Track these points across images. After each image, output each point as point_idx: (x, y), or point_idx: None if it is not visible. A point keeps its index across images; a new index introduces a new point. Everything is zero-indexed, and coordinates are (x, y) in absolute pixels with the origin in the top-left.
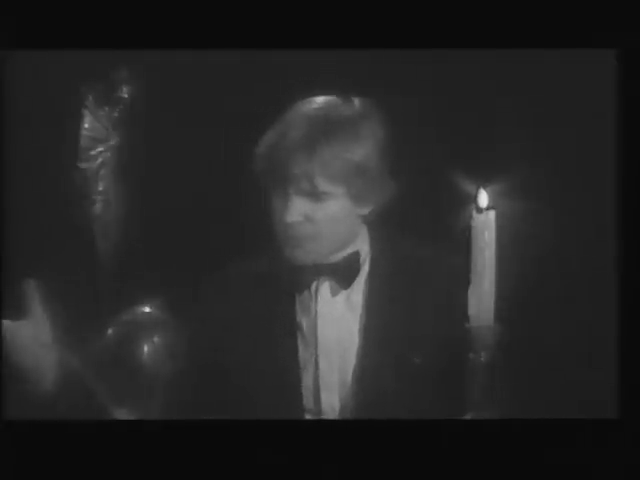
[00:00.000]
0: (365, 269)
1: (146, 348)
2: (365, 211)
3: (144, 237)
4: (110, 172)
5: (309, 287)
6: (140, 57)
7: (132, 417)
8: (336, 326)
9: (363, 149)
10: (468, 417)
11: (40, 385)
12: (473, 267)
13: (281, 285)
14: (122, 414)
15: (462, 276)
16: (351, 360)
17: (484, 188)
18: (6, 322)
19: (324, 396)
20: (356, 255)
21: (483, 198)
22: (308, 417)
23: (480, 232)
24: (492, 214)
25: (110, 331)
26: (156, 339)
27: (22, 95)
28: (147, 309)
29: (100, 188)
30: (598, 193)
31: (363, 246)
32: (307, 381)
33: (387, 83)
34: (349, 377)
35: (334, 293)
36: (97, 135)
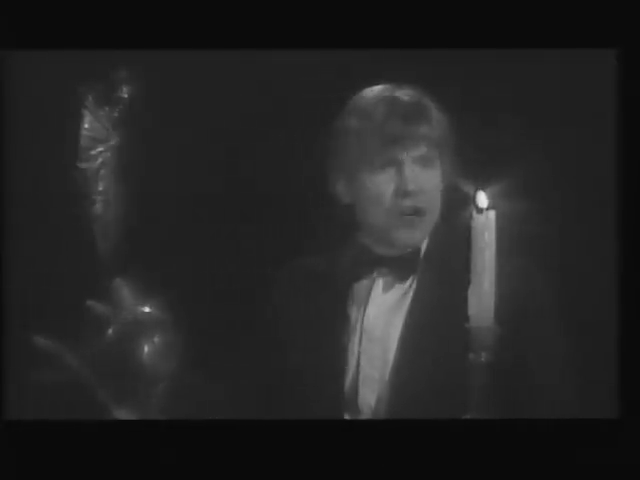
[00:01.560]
0: (420, 266)
1: (146, 348)
2: (441, 187)
3: (144, 237)
4: (110, 172)
5: (366, 280)
6: (140, 57)
7: (132, 417)
8: (382, 322)
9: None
10: (468, 417)
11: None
12: (473, 267)
13: (340, 278)
14: (122, 414)
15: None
16: (391, 357)
17: (483, 189)
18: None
19: (362, 392)
20: (417, 251)
21: (482, 199)
22: (346, 413)
23: (480, 232)
24: (492, 215)
25: (110, 331)
26: (156, 339)
27: (22, 95)
28: (147, 309)
29: (100, 188)
30: (598, 193)
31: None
32: (348, 375)
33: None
34: (387, 375)
35: (388, 288)
36: (97, 135)
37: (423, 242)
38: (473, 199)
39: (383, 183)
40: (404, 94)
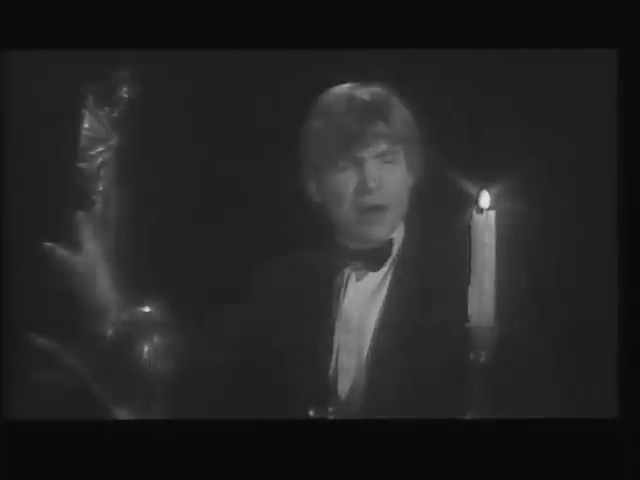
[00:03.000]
0: (395, 258)
1: (146, 348)
2: (410, 182)
3: (144, 237)
4: (110, 172)
5: (342, 273)
6: (140, 57)
7: (132, 417)
8: (359, 312)
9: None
10: (468, 417)
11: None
12: (473, 267)
13: (320, 274)
14: (122, 414)
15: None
16: (366, 349)
17: (486, 189)
18: (64, 253)
19: (341, 381)
20: (389, 242)
21: (485, 199)
22: (328, 402)
23: (480, 232)
24: (492, 214)
25: (110, 331)
26: (156, 339)
27: (22, 95)
28: (147, 309)
29: (100, 188)
30: (599, 193)
31: (398, 234)
32: (328, 364)
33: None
34: (363, 365)
35: (363, 279)
36: (97, 135)
37: (392, 235)
38: (475, 199)
39: (346, 181)
40: (365, 92)
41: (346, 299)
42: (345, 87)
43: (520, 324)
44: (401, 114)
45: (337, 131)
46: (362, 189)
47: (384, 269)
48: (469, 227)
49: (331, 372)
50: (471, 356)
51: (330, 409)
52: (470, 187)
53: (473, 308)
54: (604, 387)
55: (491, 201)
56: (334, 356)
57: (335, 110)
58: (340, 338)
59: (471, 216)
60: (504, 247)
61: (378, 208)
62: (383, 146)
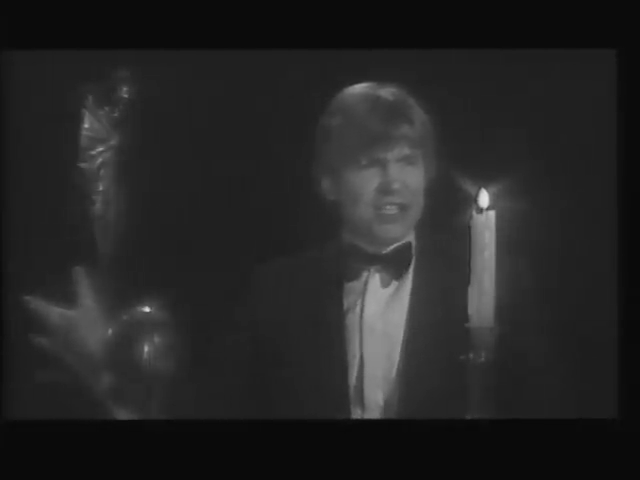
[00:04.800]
0: (414, 262)
1: (146, 348)
2: (424, 184)
3: (144, 237)
4: (110, 172)
5: (359, 278)
6: (140, 57)
7: (132, 417)
8: (382, 318)
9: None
10: (468, 417)
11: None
12: (473, 267)
13: (332, 275)
14: (122, 414)
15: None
16: (395, 354)
17: (485, 188)
18: (62, 311)
19: (367, 389)
20: (408, 246)
21: (484, 198)
22: (352, 410)
23: (480, 232)
24: (492, 214)
25: (110, 331)
26: (156, 339)
27: (22, 95)
28: (147, 309)
29: (100, 188)
30: (599, 193)
31: (411, 237)
32: (352, 373)
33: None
34: (393, 372)
35: (384, 284)
36: (97, 135)
37: (407, 237)
38: (474, 198)
39: (367, 180)
40: (386, 93)
41: (368, 304)
42: (364, 86)
43: (520, 324)
44: (420, 116)
45: (360, 130)
46: (385, 189)
47: (406, 274)
48: (469, 227)
49: (355, 380)
50: (471, 356)
51: (355, 416)
52: (470, 186)
53: (473, 308)
54: (604, 387)
55: (490, 200)
56: (357, 363)
57: (357, 109)
58: (364, 343)
59: (471, 216)
60: (504, 247)
61: (400, 208)
62: (405, 148)
